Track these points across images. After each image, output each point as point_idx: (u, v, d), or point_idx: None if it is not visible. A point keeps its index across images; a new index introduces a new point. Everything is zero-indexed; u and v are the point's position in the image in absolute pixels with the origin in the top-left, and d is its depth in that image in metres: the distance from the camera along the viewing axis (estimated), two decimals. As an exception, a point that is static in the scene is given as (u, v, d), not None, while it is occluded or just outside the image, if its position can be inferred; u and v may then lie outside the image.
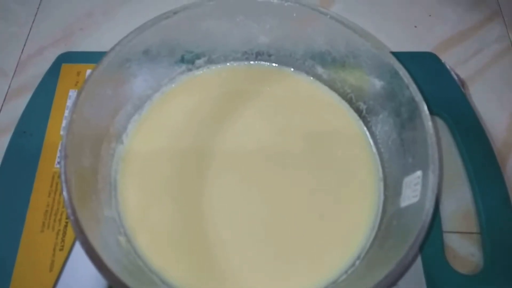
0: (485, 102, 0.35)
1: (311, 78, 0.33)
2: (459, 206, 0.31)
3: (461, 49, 0.39)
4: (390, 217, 0.26)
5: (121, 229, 0.27)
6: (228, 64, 0.33)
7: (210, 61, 0.33)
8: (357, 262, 0.26)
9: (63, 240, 0.29)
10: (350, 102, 0.32)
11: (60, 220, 0.29)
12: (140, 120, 0.31)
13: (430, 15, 0.41)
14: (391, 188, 0.28)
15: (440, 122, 0.33)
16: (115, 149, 0.29)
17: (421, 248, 0.28)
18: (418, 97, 0.25)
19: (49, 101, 0.34)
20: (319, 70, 0.32)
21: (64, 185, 0.22)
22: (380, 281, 0.20)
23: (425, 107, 0.25)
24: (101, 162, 0.27)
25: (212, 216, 0.28)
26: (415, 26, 0.40)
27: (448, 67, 0.35)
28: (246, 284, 0.26)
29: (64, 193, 0.22)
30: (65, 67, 0.35)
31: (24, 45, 0.39)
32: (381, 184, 0.29)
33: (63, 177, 0.22)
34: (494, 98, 0.36)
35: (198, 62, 0.33)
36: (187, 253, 0.27)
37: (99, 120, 0.27)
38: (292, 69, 0.33)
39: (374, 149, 0.30)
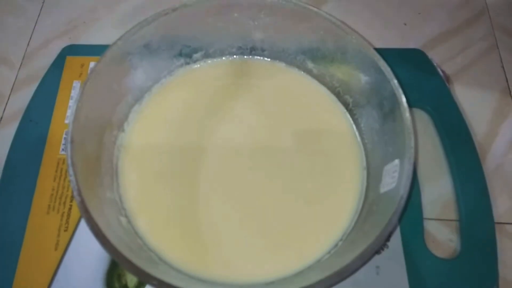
0: (469, 97, 0.36)
1: (302, 72, 0.34)
2: (440, 195, 0.32)
3: (448, 46, 0.40)
4: (370, 202, 0.27)
5: (122, 210, 0.28)
6: (224, 58, 0.34)
7: (207, 55, 0.34)
8: (340, 243, 0.27)
9: (67, 222, 0.30)
10: (338, 95, 0.33)
11: (64, 203, 0.31)
12: (140, 110, 0.32)
13: (419, 13, 0.42)
14: (373, 176, 0.29)
15: (424, 115, 0.34)
16: (117, 136, 0.30)
17: (403, 233, 0.29)
18: (398, 91, 0.26)
19: (54, 92, 0.35)
20: (310, 65, 0.33)
21: (70, 168, 0.23)
22: (356, 257, 0.22)
23: (404, 100, 0.26)
24: (104, 148, 0.28)
25: (207, 201, 0.29)
26: (405, 24, 0.41)
27: (434, 63, 0.36)
28: (237, 262, 0.27)
29: (71, 175, 0.23)
30: (69, 59, 0.36)
31: (30, 38, 0.40)
32: (365, 172, 0.30)
33: (69, 160, 0.23)
34: (477, 93, 0.37)
35: (195, 56, 0.33)
36: (183, 234, 0.28)
37: (102, 109, 0.28)
38: (284, 64, 0.34)
39: (359, 140, 0.31)
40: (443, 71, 0.36)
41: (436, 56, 0.38)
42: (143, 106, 0.32)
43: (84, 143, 0.25)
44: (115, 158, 0.30)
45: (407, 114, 0.25)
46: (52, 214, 0.30)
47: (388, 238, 0.29)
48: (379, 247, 0.22)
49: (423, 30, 0.41)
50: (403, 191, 0.23)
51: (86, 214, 0.22)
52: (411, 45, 0.39)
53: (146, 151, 0.31)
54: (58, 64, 0.36)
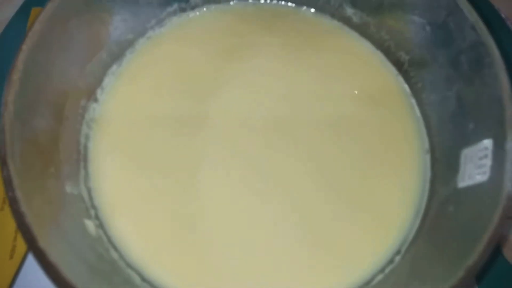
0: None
1: (337, 22, 0.29)
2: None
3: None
4: (443, 201, 0.23)
5: (91, 210, 0.23)
6: (231, 3, 0.30)
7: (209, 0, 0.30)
8: (397, 258, 0.22)
9: (27, 221, 0.25)
10: (387, 52, 0.28)
11: (24, 196, 0.26)
12: (119, 72, 0.28)
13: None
14: (442, 163, 0.24)
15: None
16: (86, 108, 0.26)
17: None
18: (488, 40, 0.20)
19: (16, 50, 0.30)
20: (348, 11, 0.29)
21: (3, 153, 0.17)
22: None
23: (498, 53, 0.20)
24: (65, 124, 0.23)
25: (210, 195, 0.24)
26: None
27: (502, 14, 0.31)
28: (251, 285, 0.22)
29: (3, 163, 0.17)
30: (36, 11, 0.33)
31: (-12, -15, 0.36)
32: (428, 157, 0.25)
33: (3, 140, 0.18)
34: None
35: (193, 0, 0.29)
36: (177, 242, 0.23)
37: (62, 70, 0.23)
38: (313, 10, 0.30)
39: (418, 113, 0.26)
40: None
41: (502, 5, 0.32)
42: (123, 67, 0.28)
43: (30, 117, 0.20)
44: (83, 138, 0.25)
45: (503, 72, 0.19)
46: (8, 211, 0.25)
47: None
48: (474, 275, 0.15)
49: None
50: (509, 185, 0.18)
51: (20, 219, 0.16)
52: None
53: (127, 128, 0.26)
54: (21, 17, 0.33)
